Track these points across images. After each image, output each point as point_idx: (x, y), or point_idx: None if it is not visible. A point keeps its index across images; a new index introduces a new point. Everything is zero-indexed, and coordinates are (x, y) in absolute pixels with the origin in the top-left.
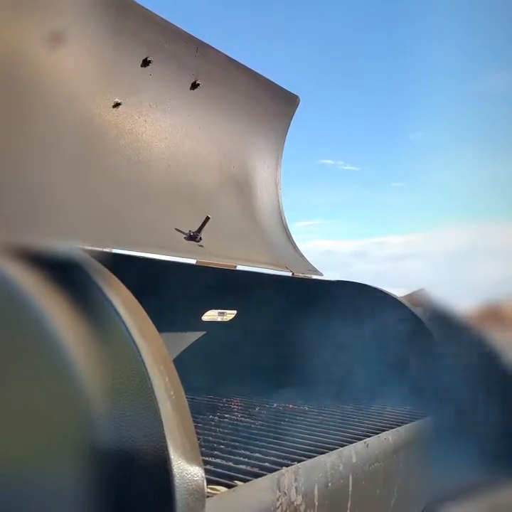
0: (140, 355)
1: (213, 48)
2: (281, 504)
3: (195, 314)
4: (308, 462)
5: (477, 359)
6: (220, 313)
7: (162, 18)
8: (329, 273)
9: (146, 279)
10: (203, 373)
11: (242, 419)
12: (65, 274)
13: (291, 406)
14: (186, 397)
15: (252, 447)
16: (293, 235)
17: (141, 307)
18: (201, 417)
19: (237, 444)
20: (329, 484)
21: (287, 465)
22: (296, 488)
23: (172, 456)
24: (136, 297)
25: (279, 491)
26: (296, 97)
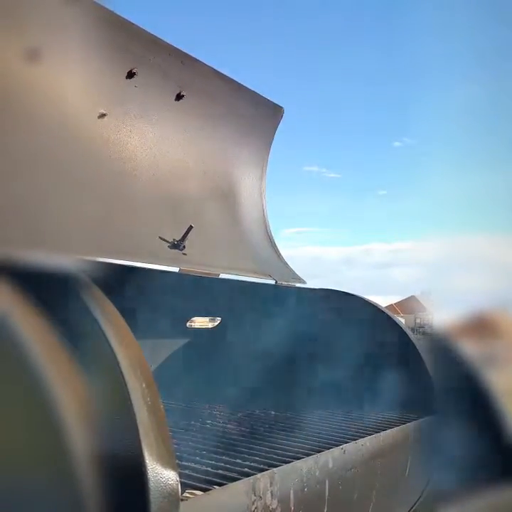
0: (117, 361)
1: (198, 59)
2: (256, 508)
3: (179, 321)
4: (285, 467)
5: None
6: (211, 320)
7: (147, 31)
8: (319, 280)
9: (130, 287)
10: (186, 380)
11: (224, 425)
12: (43, 283)
13: (273, 412)
14: (170, 403)
15: (232, 453)
16: (283, 242)
17: (118, 314)
18: (183, 422)
19: (217, 449)
20: (305, 489)
21: (266, 470)
22: (271, 492)
23: (147, 460)
24: (119, 305)
25: (255, 495)
26: (281, 108)
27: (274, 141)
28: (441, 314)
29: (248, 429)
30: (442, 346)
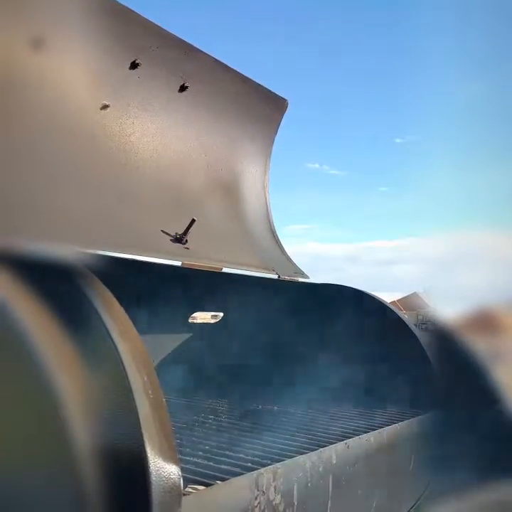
0: (118, 354)
1: (202, 51)
2: (259, 503)
3: (181, 316)
4: (288, 462)
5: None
6: (213, 317)
7: (150, 21)
8: (322, 276)
9: (132, 281)
10: (189, 375)
11: (227, 420)
12: (46, 275)
13: (276, 407)
14: (172, 398)
15: (235, 447)
16: (287, 238)
17: (121, 307)
18: (185, 417)
19: (220, 444)
20: (309, 484)
21: (269, 465)
22: (274, 487)
23: (149, 455)
24: (121, 299)
25: (258, 490)
26: (285, 100)
27: (277, 137)
28: (444, 311)
29: (251, 424)
30: (446, 342)
